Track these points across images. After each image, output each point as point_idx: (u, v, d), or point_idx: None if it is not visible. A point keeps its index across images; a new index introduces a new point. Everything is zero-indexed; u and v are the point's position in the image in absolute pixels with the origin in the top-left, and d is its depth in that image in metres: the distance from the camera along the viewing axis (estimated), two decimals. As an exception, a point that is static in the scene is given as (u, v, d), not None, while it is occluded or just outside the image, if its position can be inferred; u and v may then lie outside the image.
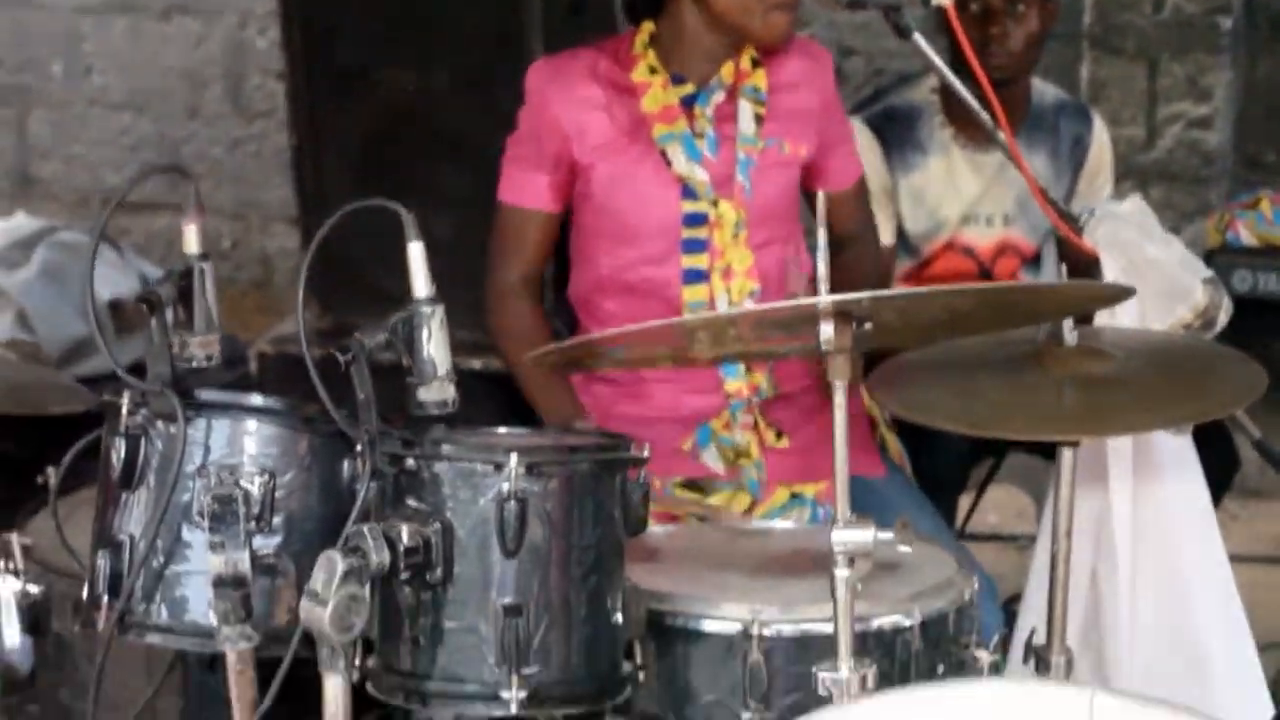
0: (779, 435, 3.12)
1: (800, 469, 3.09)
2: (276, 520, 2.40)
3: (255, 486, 2.38)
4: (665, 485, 3.02)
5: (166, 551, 2.39)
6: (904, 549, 2.37)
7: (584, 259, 3.19)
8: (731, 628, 2.46)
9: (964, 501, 4.16)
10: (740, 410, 3.10)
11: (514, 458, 2.28)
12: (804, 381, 3.16)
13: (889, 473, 3.23)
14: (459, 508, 2.30)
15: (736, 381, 3.09)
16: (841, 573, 2.24)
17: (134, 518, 2.42)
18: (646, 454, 2.43)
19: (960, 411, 2.52)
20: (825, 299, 2.24)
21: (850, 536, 2.24)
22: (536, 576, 2.31)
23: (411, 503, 2.31)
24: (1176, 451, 2.97)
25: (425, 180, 4.09)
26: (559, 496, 2.32)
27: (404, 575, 2.27)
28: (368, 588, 2.20)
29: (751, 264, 3.07)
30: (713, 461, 3.10)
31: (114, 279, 4.91)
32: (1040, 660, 2.70)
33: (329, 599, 2.16)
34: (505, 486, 2.28)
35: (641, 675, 2.44)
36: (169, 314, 2.48)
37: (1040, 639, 2.71)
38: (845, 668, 2.25)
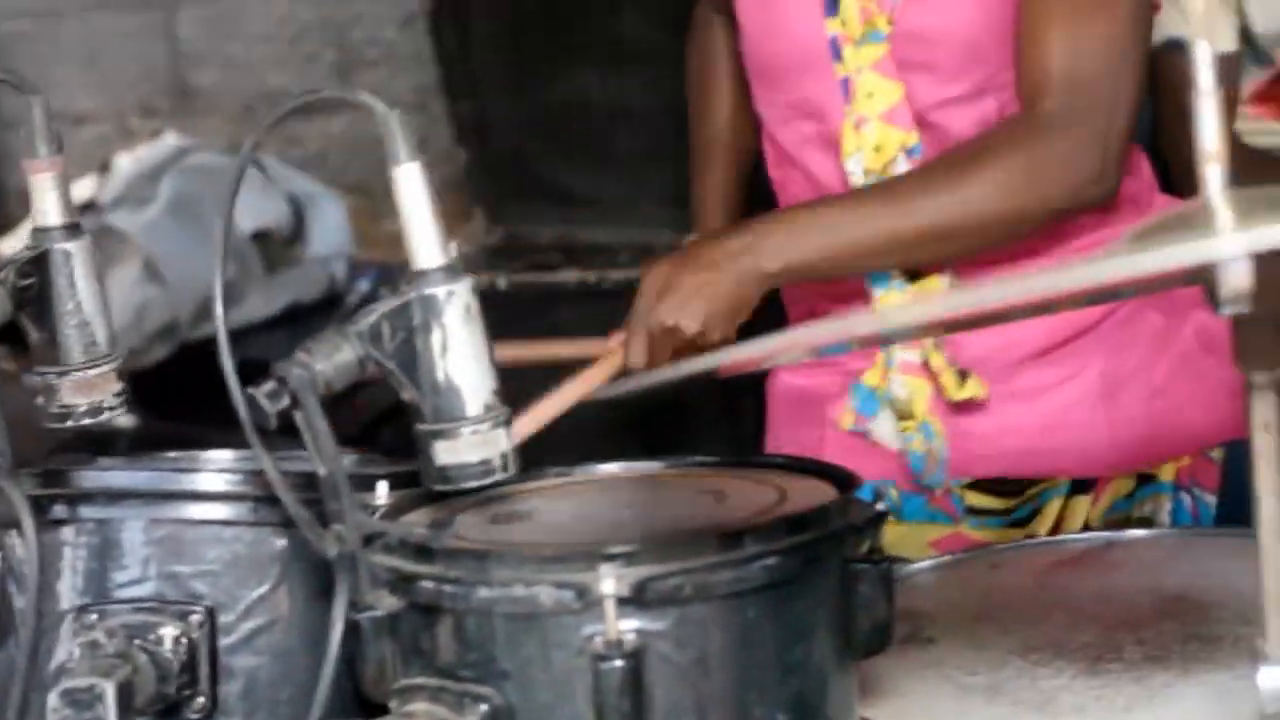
0: (963, 379, 1.87)
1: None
2: (228, 692, 1.32)
3: (170, 642, 1.30)
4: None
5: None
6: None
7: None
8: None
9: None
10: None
11: (608, 578, 1.14)
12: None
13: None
14: (520, 674, 1.17)
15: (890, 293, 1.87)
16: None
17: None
18: (882, 506, 1.28)
19: None
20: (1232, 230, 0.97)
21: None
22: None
23: (432, 672, 1.20)
24: None
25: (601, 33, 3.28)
26: (712, 635, 1.18)
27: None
28: None
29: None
30: (889, 437, 1.91)
31: (257, 205, 3.93)
32: None
33: None
34: (599, 633, 1.15)
35: None
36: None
37: None
38: None
